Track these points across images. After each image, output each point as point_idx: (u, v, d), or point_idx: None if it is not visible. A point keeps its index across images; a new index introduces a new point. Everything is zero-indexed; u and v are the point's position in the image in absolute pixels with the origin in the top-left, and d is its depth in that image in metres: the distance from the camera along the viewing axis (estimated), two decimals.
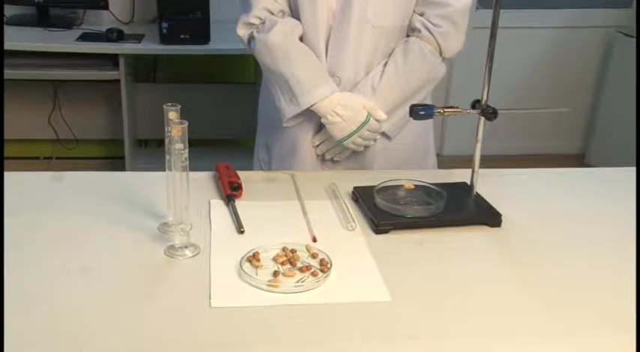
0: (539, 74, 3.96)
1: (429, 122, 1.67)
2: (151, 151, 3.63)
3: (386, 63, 1.56)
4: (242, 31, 1.57)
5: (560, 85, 3.98)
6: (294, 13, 1.54)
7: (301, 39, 1.54)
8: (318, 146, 1.61)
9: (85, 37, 3.09)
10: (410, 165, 1.65)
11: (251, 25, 1.55)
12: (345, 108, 1.50)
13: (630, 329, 0.99)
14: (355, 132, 1.52)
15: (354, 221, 1.28)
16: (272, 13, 1.53)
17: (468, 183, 1.38)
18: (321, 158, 1.63)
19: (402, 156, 1.65)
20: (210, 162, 1.49)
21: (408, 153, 1.67)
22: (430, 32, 1.53)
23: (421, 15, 1.55)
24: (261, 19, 1.54)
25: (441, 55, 1.56)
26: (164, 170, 1.18)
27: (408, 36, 1.58)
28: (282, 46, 1.51)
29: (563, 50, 3.93)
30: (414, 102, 1.52)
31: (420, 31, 1.54)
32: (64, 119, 3.54)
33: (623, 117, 3.64)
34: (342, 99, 1.51)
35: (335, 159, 1.62)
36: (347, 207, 1.34)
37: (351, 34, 1.52)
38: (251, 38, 1.55)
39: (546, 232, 1.30)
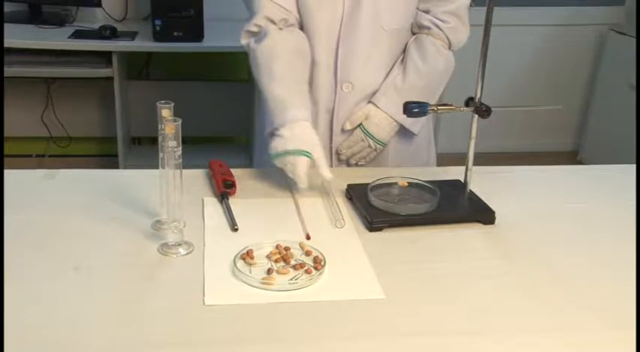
0: (533, 71, 3.97)
1: None
2: (144, 149, 3.62)
3: (402, 63, 1.57)
4: (244, 40, 1.55)
5: (554, 82, 3.99)
6: (303, 24, 1.53)
7: (298, 48, 1.51)
8: (343, 152, 1.61)
9: (77, 35, 3.08)
10: (419, 158, 1.69)
11: (252, 33, 1.53)
12: (292, 131, 1.39)
13: (627, 326, 0.99)
14: (284, 154, 1.37)
15: (342, 218, 1.28)
16: (273, 22, 1.51)
17: (462, 181, 1.38)
18: (346, 162, 1.63)
19: (412, 149, 1.67)
20: (204, 159, 1.49)
21: (417, 146, 1.69)
22: (439, 28, 1.55)
23: (426, 12, 1.57)
24: (261, 27, 1.51)
25: (449, 48, 1.59)
26: (157, 168, 1.18)
27: (413, 33, 1.60)
28: (265, 61, 1.48)
29: (556, 48, 3.94)
30: (437, 96, 1.59)
31: (429, 29, 1.56)
32: (57, 117, 3.53)
33: (616, 114, 3.66)
34: (303, 126, 1.40)
35: (360, 164, 1.62)
36: (337, 204, 1.34)
37: (361, 39, 1.52)
38: (249, 48, 1.54)
39: (540, 229, 1.30)
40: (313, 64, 1.55)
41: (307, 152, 1.36)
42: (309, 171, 1.36)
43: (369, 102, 1.58)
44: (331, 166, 1.63)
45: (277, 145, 1.39)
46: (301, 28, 1.55)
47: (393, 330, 0.98)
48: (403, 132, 1.61)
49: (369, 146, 1.58)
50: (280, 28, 1.51)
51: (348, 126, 1.59)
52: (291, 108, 1.42)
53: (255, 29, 1.52)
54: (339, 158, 1.62)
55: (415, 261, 1.17)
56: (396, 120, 1.57)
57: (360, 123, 1.58)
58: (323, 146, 1.61)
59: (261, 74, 1.49)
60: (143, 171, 1.45)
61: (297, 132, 1.39)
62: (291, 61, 1.49)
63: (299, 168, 1.35)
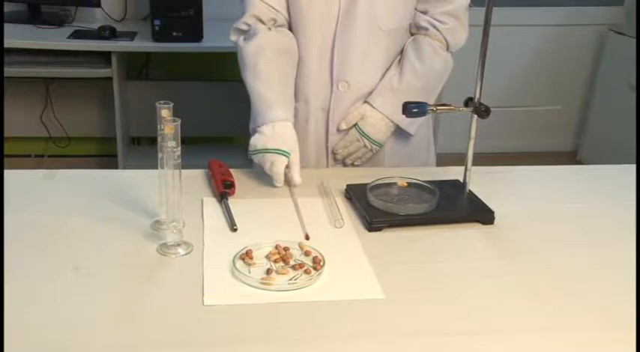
0: (533, 71, 3.97)
1: None
2: (143, 149, 3.62)
3: (399, 63, 1.57)
4: (234, 37, 1.57)
5: (553, 82, 3.99)
6: (295, 22, 1.53)
7: (285, 48, 1.52)
8: (339, 151, 1.61)
9: (77, 35, 3.08)
10: (417, 158, 1.68)
11: (241, 31, 1.55)
12: (273, 129, 1.43)
13: (627, 326, 0.99)
14: (263, 152, 1.42)
15: (341, 218, 1.28)
16: (262, 21, 1.52)
17: (461, 181, 1.38)
18: (342, 162, 1.63)
19: (410, 150, 1.67)
20: (204, 159, 1.49)
21: (415, 146, 1.68)
22: (437, 29, 1.55)
23: (424, 13, 1.56)
24: (249, 25, 1.53)
25: (447, 49, 1.59)
26: (157, 168, 1.18)
27: (411, 34, 1.59)
28: (251, 59, 1.51)
29: (555, 48, 3.94)
30: (434, 97, 1.59)
31: (427, 29, 1.56)
32: (56, 117, 3.53)
33: (616, 114, 3.66)
34: (284, 126, 1.44)
35: (355, 164, 1.62)
36: (336, 204, 1.34)
37: (358, 37, 1.52)
38: (237, 45, 1.56)
39: (539, 229, 1.30)
40: (307, 62, 1.55)
41: (286, 152, 1.40)
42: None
43: (365, 102, 1.58)
44: (327, 166, 1.63)
45: (257, 142, 1.43)
46: (290, 28, 1.55)
47: (393, 330, 0.98)
48: (400, 132, 1.61)
49: (365, 146, 1.58)
50: (269, 28, 1.52)
51: (343, 126, 1.59)
52: (274, 108, 1.46)
53: (243, 27, 1.54)
54: (335, 158, 1.62)
55: (415, 261, 1.16)
56: (392, 121, 1.57)
57: (356, 123, 1.58)
58: (318, 145, 1.62)
59: (247, 72, 1.52)
60: (142, 171, 1.45)
61: (278, 132, 1.43)
62: (277, 60, 1.50)
63: (277, 166, 1.40)
